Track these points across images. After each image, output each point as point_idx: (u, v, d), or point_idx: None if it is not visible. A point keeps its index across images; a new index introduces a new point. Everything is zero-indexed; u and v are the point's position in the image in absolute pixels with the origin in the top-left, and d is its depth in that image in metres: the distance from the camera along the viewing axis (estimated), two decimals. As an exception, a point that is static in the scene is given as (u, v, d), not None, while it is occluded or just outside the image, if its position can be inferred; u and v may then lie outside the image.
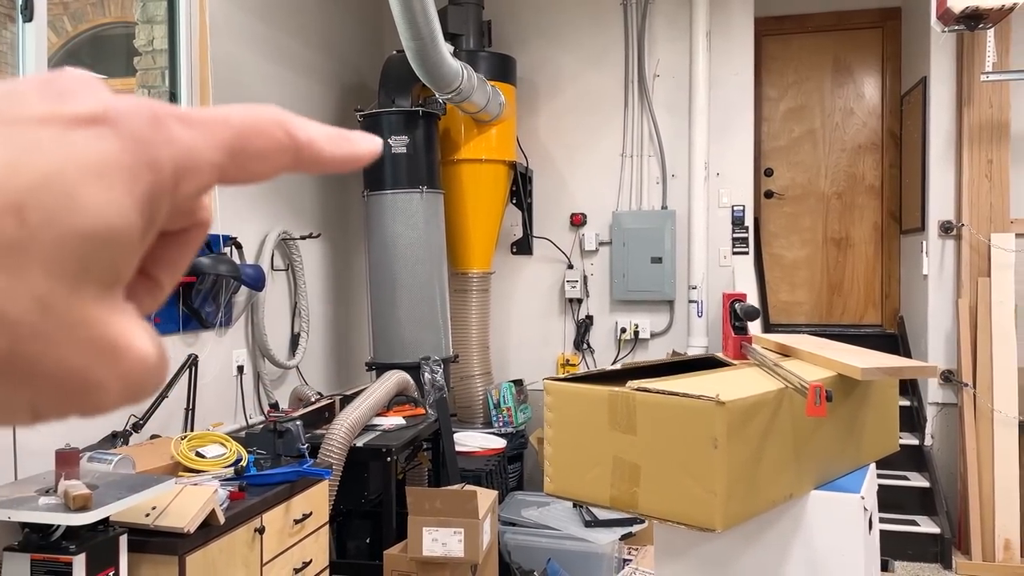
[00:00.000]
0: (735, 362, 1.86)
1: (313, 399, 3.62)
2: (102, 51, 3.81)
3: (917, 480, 4.50)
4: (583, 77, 4.97)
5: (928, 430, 4.57)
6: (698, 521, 1.41)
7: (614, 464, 1.52)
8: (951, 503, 4.38)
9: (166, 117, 0.25)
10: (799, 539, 1.61)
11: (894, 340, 5.21)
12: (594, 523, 3.58)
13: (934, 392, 4.54)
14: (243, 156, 0.26)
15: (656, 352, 4.86)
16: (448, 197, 4.41)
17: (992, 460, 4.12)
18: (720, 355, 1.94)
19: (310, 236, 4.01)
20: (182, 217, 0.28)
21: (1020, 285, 4.23)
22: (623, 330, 4.90)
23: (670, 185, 4.84)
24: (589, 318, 4.97)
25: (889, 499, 4.26)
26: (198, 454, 2.59)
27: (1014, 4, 3.32)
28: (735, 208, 4.79)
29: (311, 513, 2.73)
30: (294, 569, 2.64)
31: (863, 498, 1.62)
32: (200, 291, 3.16)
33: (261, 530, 2.43)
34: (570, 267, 4.99)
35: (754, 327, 3.14)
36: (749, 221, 4.80)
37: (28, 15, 2.59)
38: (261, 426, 3.05)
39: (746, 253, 4.79)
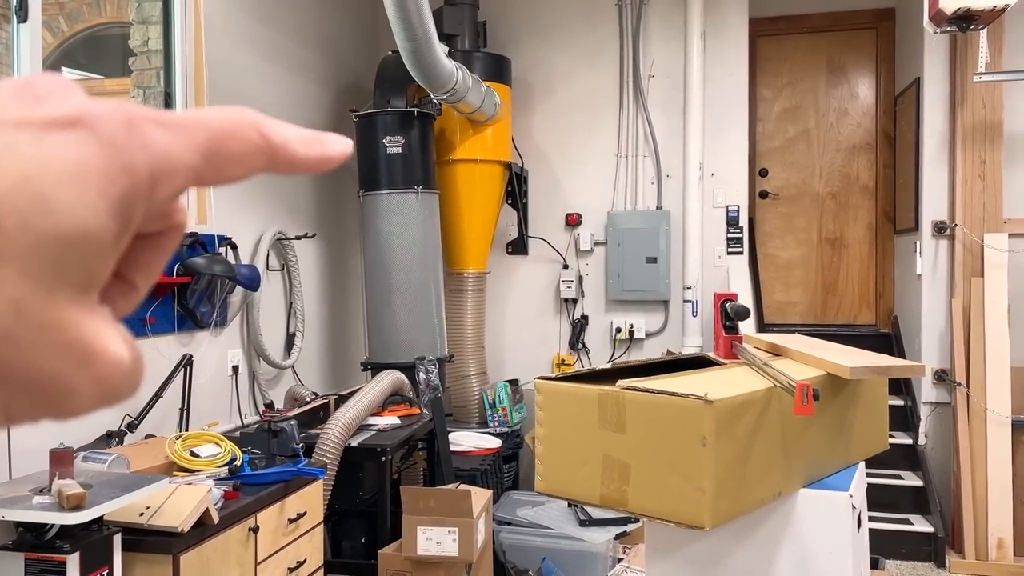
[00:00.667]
0: (726, 361, 1.87)
1: (308, 399, 3.62)
2: (98, 51, 3.81)
3: (911, 479, 4.51)
4: (578, 77, 4.98)
5: (921, 429, 4.59)
6: (687, 519, 1.42)
7: (604, 463, 1.53)
8: (944, 502, 4.40)
9: (142, 120, 0.25)
10: (788, 537, 1.62)
11: (888, 340, 5.23)
12: (589, 522, 3.59)
13: (927, 391, 4.56)
14: (219, 158, 0.27)
15: (651, 352, 4.87)
16: (443, 197, 4.42)
17: (985, 459, 4.14)
18: (711, 355, 1.96)
19: (305, 236, 4.02)
20: (157, 220, 0.28)
21: (1013, 285, 4.25)
22: (618, 330, 4.91)
23: (665, 185, 4.86)
24: (584, 318, 4.98)
25: (883, 498, 4.27)
26: (192, 454, 2.60)
27: (1006, 5, 3.33)
28: (730, 208, 4.81)
29: (305, 512, 2.74)
30: (288, 568, 2.65)
31: (851, 496, 1.63)
32: (195, 291, 3.17)
33: (255, 529, 2.44)
34: (565, 267, 5.00)
35: (747, 327, 3.15)
36: (744, 221, 4.82)
37: (23, 16, 2.59)
38: (256, 426, 3.05)
39: (741, 253, 4.81)
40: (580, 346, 4.97)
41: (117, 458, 2.26)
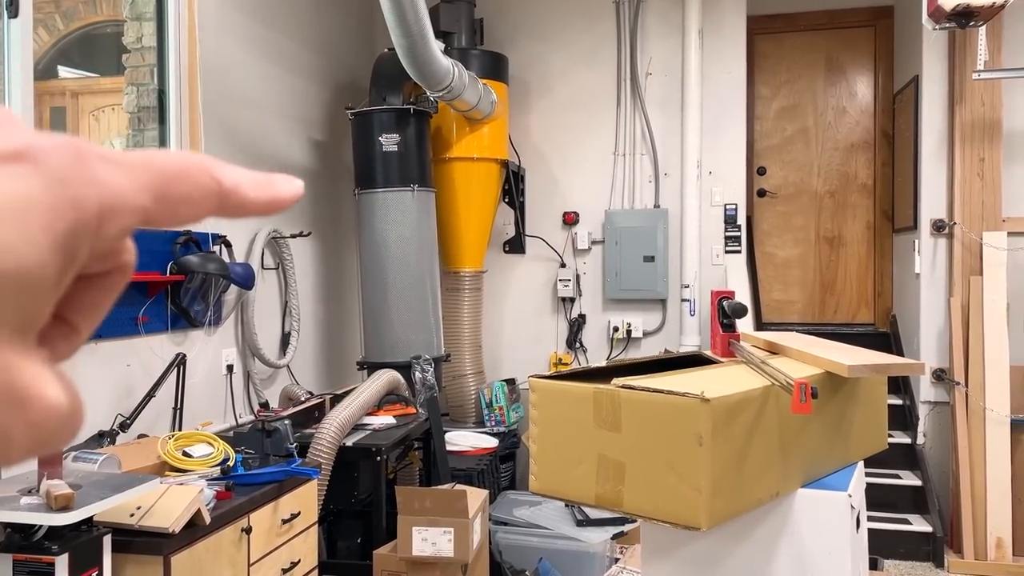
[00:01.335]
0: (723, 360, 1.85)
1: (303, 398, 3.60)
2: (93, 49, 3.79)
3: (909, 479, 4.49)
4: (575, 75, 4.96)
5: (920, 428, 4.57)
6: (683, 519, 1.40)
7: (599, 462, 1.51)
8: (943, 502, 4.38)
9: (90, 156, 0.24)
10: (786, 537, 1.60)
11: (887, 339, 5.21)
12: (586, 522, 3.57)
13: (926, 390, 4.54)
14: (169, 199, 0.26)
15: (649, 351, 4.85)
16: (440, 196, 4.39)
17: (984, 458, 4.12)
18: (708, 353, 1.93)
19: (301, 234, 3.99)
20: (104, 260, 0.27)
21: (1012, 283, 4.23)
22: (616, 329, 4.89)
23: (663, 184, 4.84)
24: (582, 317, 4.96)
25: (881, 498, 4.26)
26: (185, 453, 2.57)
27: (1004, 1, 3.31)
28: (728, 207, 4.79)
29: (299, 513, 2.71)
30: (282, 569, 2.62)
31: (850, 496, 1.61)
32: (189, 290, 3.14)
33: (248, 530, 2.42)
34: (563, 266, 4.98)
35: (745, 326, 3.13)
36: (742, 220, 4.80)
37: (13, 11, 2.57)
38: (250, 425, 3.03)
39: (739, 252, 4.79)
40: (577, 345, 4.95)
41: (108, 458, 2.24)
